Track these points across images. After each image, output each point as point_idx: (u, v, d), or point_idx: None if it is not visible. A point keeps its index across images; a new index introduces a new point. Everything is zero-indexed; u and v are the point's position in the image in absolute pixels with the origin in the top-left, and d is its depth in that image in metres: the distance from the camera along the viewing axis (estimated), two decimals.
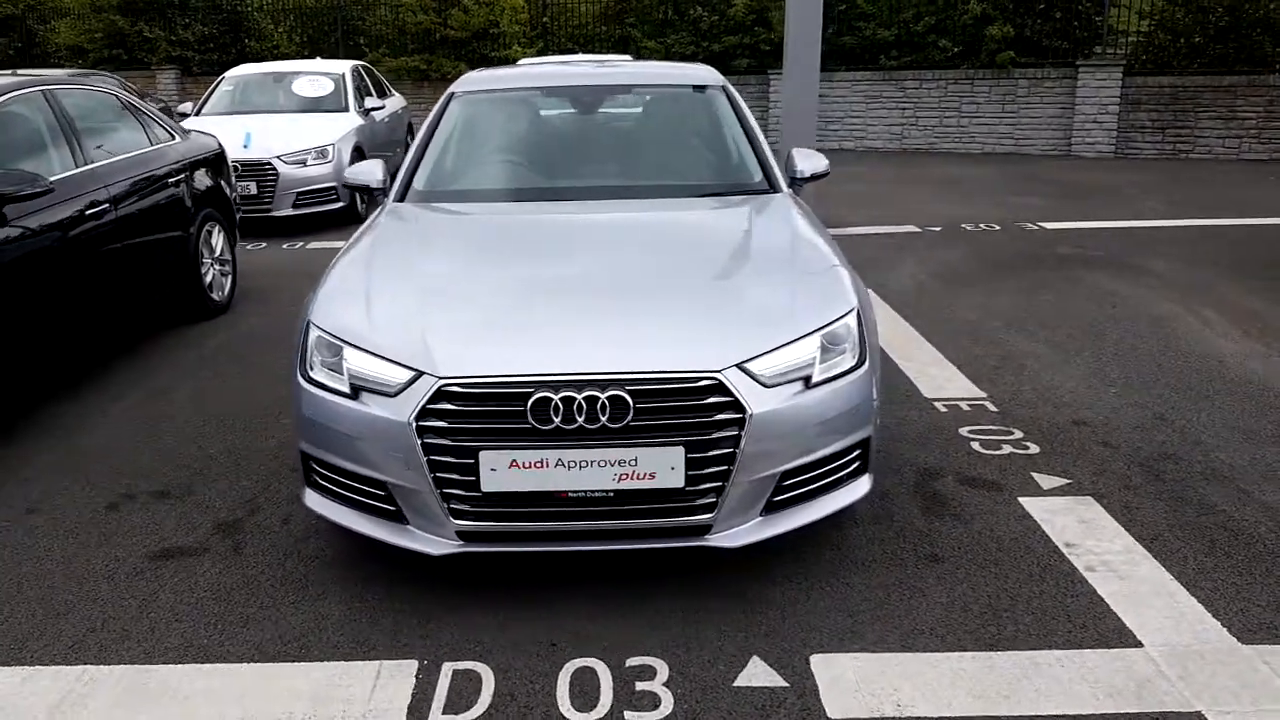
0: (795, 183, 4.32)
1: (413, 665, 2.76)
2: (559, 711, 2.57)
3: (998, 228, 8.79)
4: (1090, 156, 13.26)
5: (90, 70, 12.43)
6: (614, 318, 2.96)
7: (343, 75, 10.16)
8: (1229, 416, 4.38)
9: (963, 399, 4.66)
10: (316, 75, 10.04)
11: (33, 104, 4.78)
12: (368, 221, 3.93)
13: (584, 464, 2.73)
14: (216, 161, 6.37)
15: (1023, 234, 8.50)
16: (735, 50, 14.90)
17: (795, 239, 3.55)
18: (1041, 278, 6.92)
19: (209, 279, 6.05)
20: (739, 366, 2.80)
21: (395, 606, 3.03)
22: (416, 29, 15.73)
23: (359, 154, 9.25)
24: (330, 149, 8.82)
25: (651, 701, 2.60)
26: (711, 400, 2.76)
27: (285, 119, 9.32)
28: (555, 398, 2.70)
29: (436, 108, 4.51)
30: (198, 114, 9.74)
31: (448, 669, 2.74)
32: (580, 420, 2.71)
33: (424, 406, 2.75)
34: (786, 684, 2.67)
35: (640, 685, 2.67)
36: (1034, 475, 3.86)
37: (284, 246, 8.59)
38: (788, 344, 2.90)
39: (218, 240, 6.21)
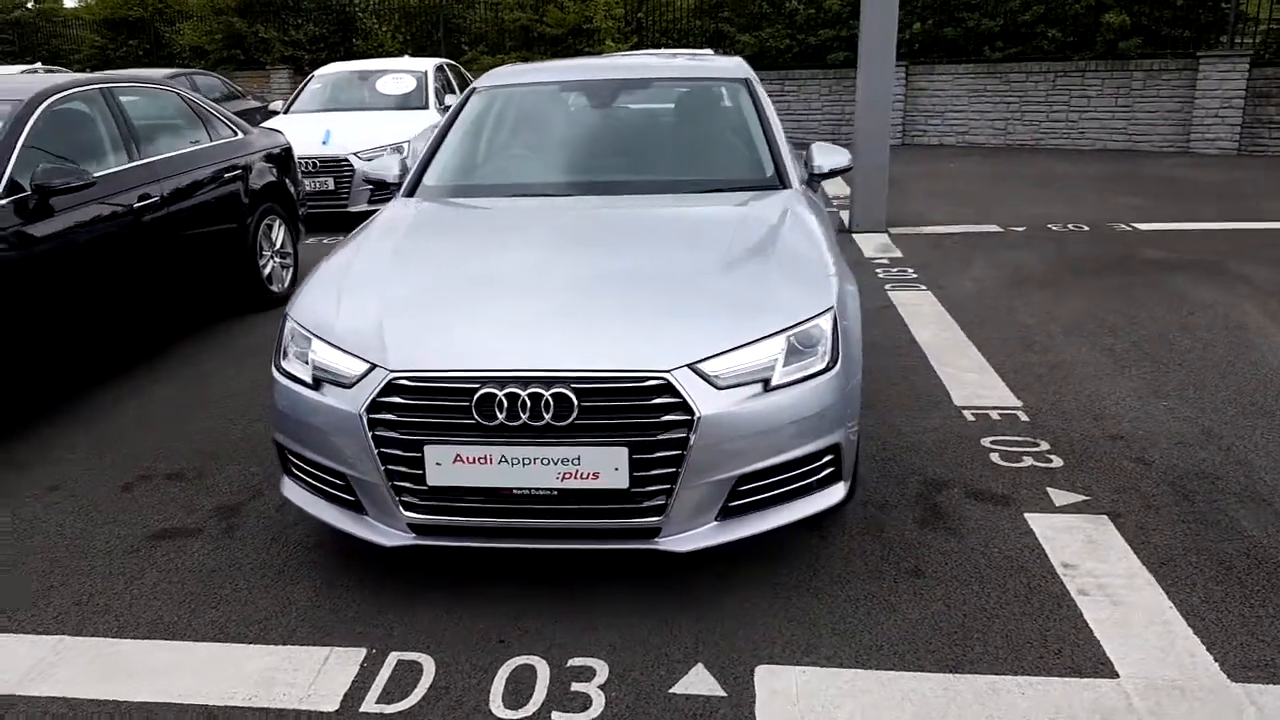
0: (814, 179, 4.20)
1: (361, 653, 2.80)
2: (488, 708, 2.56)
3: (1086, 228, 8.37)
4: (1210, 153, 12.50)
5: (197, 70, 13.06)
6: (574, 315, 2.93)
7: (425, 73, 10.40)
8: None
9: (995, 408, 4.45)
10: (400, 73, 10.30)
11: (91, 102, 5.05)
12: (373, 216, 4.00)
13: (527, 461, 2.71)
14: (282, 158, 6.60)
15: (1112, 235, 8.06)
16: (831, 43, 14.64)
17: (786, 237, 3.44)
18: (1120, 282, 6.55)
19: (268, 271, 6.28)
20: (691, 367, 2.74)
21: (359, 595, 3.08)
22: (514, 26, 15.97)
23: None
24: (406, 146, 9.03)
25: (583, 703, 2.57)
26: (659, 401, 2.70)
27: (367, 116, 9.60)
28: (500, 394, 2.69)
29: (457, 103, 4.56)
30: (287, 111, 10.11)
31: (393, 659, 2.77)
32: (524, 417, 2.69)
33: (375, 399, 2.78)
34: (724, 694, 2.59)
35: (576, 686, 2.64)
36: (1049, 490, 3.65)
37: None
38: (746, 345, 2.82)
39: (278, 234, 6.44)
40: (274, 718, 2.55)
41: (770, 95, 14.33)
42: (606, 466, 2.70)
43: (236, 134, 6.30)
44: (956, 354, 5.19)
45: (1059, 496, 3.60)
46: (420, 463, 2.75)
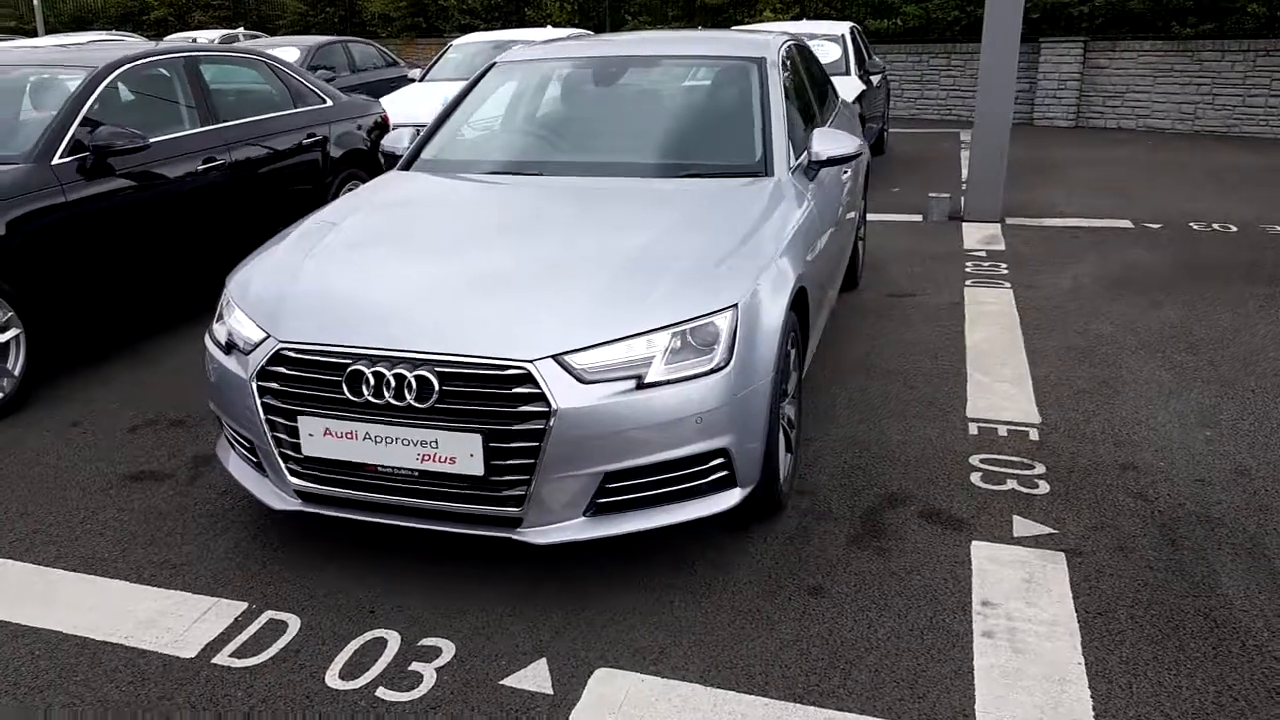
0: (814, 166, 3.98)
1: (241, 607, 2.93)
2: (323, 676, 2.62)
3: (1234, 229, 7.54)
4: None
5: (353, 39, 13.69)
6: (458, 300, 2.91)
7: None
8: None
9: (1007, 423, 4.11)
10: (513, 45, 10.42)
11: (167, 71, 5.41)
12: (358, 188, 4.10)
13: (389, 440, 2.74)
14: (376, 125, 6.87)
15: (1260, 240, 7.23)
16: None
17: (724, 229, 3.28)
18: (1236, 294, 5.87)
19: None
20: (556, 358, 2.68)
21: (268, 553, 3.21)
22: None
23: None
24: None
25: (412, 682, 2.59)
26: (518, 390, 2.66)
27: None
28: (367, 372, 2.73)
29: (473, 78, 4.60)
30: (422, 79, 10.45)
31: (265, 617, 2.88)
32: (388, 396, 2.72)
33: (263, 367, 2.88)
34: (551, 692, 2.55)
35: (415, 665, 2.66)
36: (1015, 518, 3.36)
37: None
38: (618, 340, 2.73)
39: None
40: (136, 657, 2.71)
41: (935, 70, 13.63)
42: (462, 452, 2.69)
43: (325, 102, 6.60)
44: (999, 361, 4.82)
45: (1022, 526, 3.30)
46: (298, 432, 2.83)
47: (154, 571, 3.13)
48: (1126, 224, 7.79)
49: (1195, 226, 7.64)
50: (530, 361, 2.66)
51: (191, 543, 3.29)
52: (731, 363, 2.81)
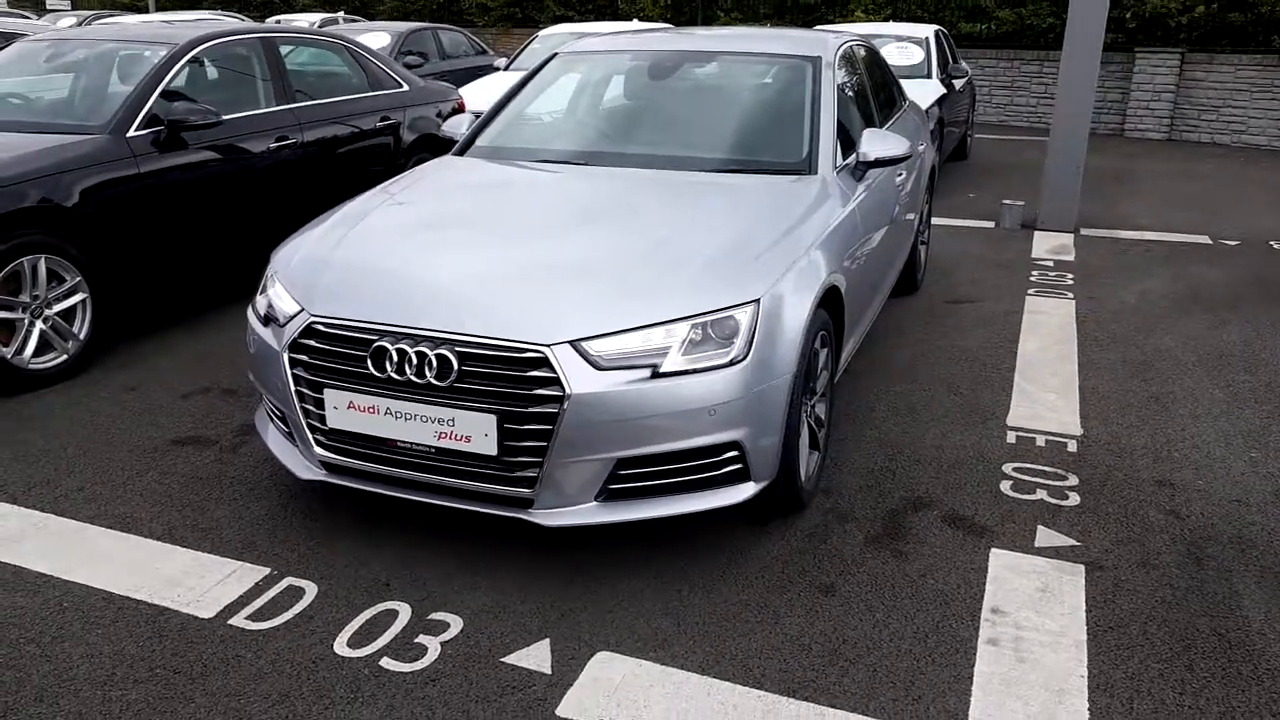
0: (861, 166, 3.95)
1: (264, 572, 3.03)
2: (332, 643, 2.70)
3: None
4: None
5: (443, 26, 13.89)
6: (484, 282, 2.96)
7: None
8: None
9: (1047, 433, 4.03)
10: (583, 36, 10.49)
11: (251, 48, 5.60)
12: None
13: (409, 416, 2.81)
14: (452, 111, 7.02)
15: None
16: None
17: (764, 223, 3.28)
18: None
19: None
20: (573, 344, 2.72)
21: (298, 520, 3.32)
22: None
23: None
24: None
25: (416, 654, 2.66)
26: (534, 374, 2.71)
27: None
28: (391, 349, 2.81)
29: (534, 67, 4.66)
30: (507, 68, 10.59)
31: (285, 582, 2.98)
32: (410, 374, 2.79)
33: (295, 339, 2.97)
34: (549, 672, 2.60)
35: (421, 638, 2.73)
36: (1040, 528, 3.30)
37: None
38: (636, 329, 2.76)
39: None
40: (157, 614, 2.82)
41: (1027, 77, 13.33)
42: (477, 431, 2.75)
43: (401, 87, 6.75)
44: (1049, 372, 4.72)
45: (1045, 537, 3.25)
46: (324, 404, 2.92)
47: (185, 533, 3.26)
48: (1204, 240, 7.54)
49: (1276, 245, 7.36)
50: (547, 346, 2.71)
51: (225, 507, 3.42)
52: (750, 356, 2.82)
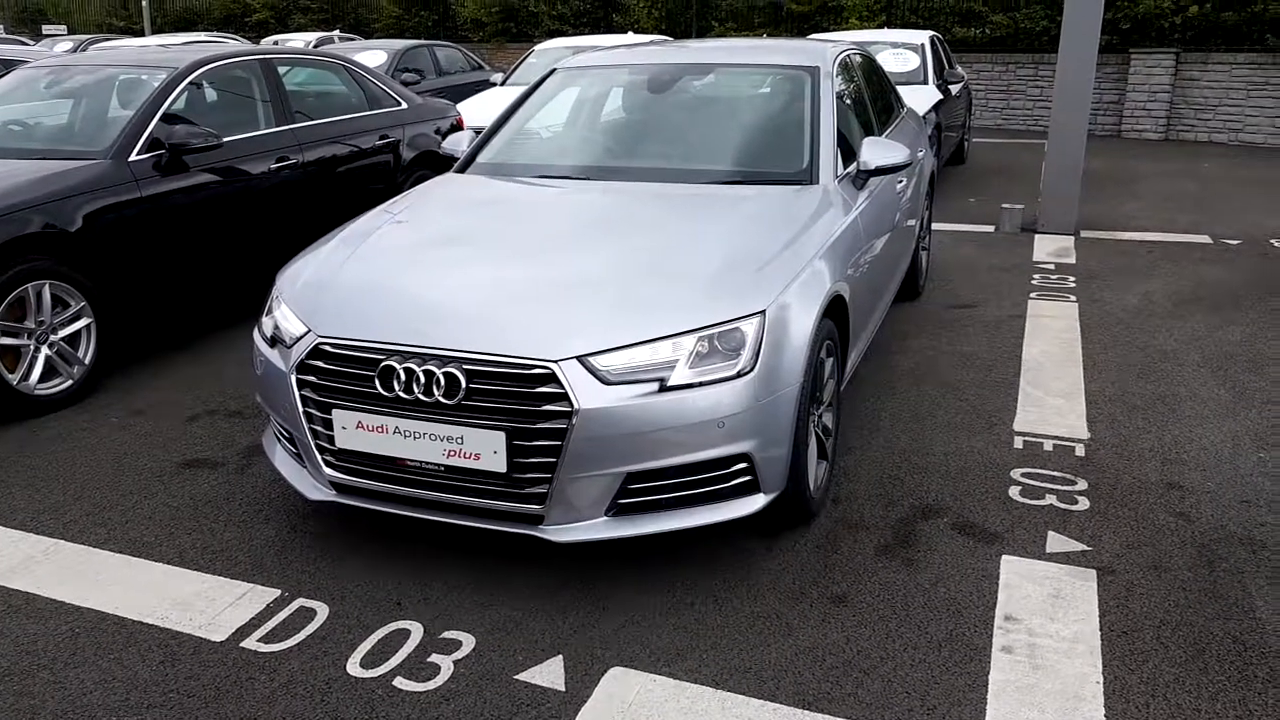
0: (862, 175, 3.96)
1: (274, 594, 3.03)
2: (344, 664, 2.70)
3: None
4: None
5: (440, 42, 13.96)
6: (489, 300, 2.96)
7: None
8: None
9: (1055, 438, 4.03)
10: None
11: (250, 69, 5.62)
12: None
13: (418, 435, 2.81)
14: (451, 128, 7.04)
15: None
16: None
17: (767, 234, 3.29)
18: None
19: None
20: (580, 360, 2.72)
21: (309, 542, 3.32)
22: (764, 3, 15.84)
23: None
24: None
25: (429, 673, 2.66)
26: (542, 390, 2.71)
27: None
28: (399, 368, 2.81)
29: (534, 82, 4.67)
30: (504, 84, 10.63)
31: (296, 604, 2.97)
32: (418, 392, 2.79)
33: (303, 360, 2.98)
34: (563, 689, 2.59)
35: (434, 656, 2.72)
36: (1050, 534, 3.30)
37: None
38: (642, 343, 2.76)
39: None
40: (169, 638, 2.82)
41: (1022, 80, 13.40)
42: (486, 449, 2.75)
43: (400, 105, 6.78)
44: (1054, 375, 4.72)
45: (1056, 542, 3.24)
46: (333, 424, 2.93)
47: (195, 556, 3.26)
48: (1205, 239, 7.55)
49: (1277, 244, 7.37)
50: (555, 362, 2.71)
51: (235, 529, 3.42)
52: (756, 368, 2.82)
